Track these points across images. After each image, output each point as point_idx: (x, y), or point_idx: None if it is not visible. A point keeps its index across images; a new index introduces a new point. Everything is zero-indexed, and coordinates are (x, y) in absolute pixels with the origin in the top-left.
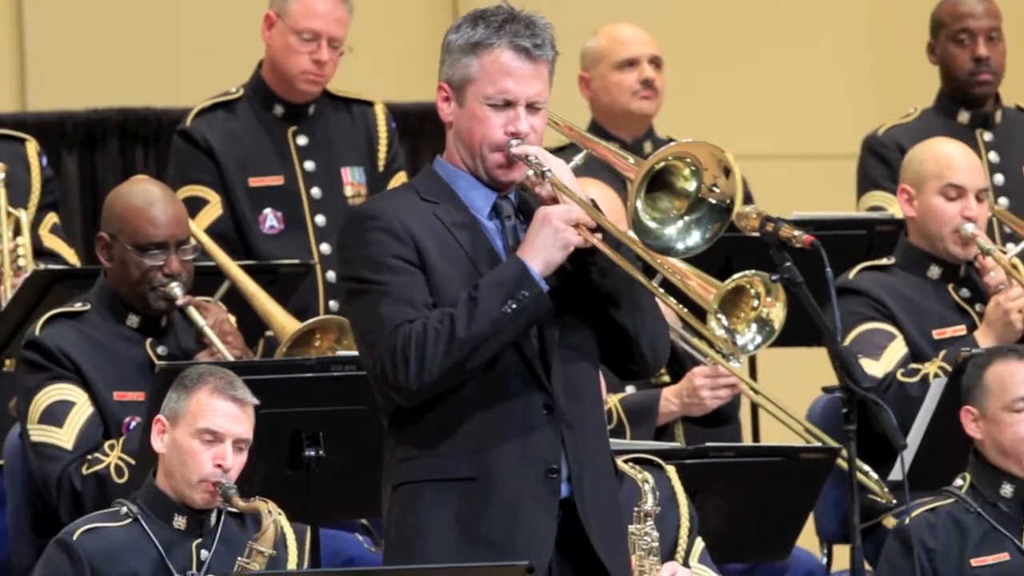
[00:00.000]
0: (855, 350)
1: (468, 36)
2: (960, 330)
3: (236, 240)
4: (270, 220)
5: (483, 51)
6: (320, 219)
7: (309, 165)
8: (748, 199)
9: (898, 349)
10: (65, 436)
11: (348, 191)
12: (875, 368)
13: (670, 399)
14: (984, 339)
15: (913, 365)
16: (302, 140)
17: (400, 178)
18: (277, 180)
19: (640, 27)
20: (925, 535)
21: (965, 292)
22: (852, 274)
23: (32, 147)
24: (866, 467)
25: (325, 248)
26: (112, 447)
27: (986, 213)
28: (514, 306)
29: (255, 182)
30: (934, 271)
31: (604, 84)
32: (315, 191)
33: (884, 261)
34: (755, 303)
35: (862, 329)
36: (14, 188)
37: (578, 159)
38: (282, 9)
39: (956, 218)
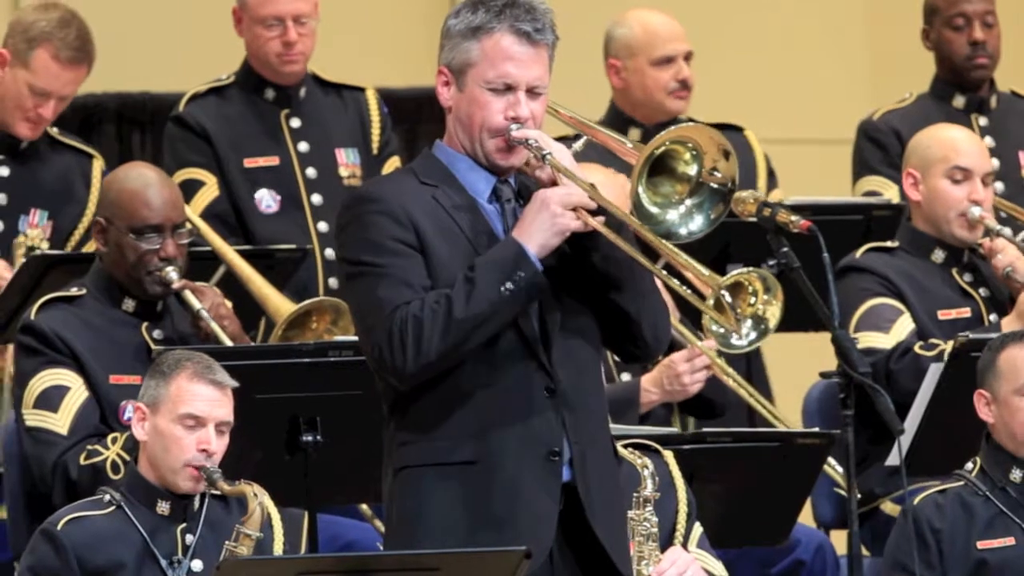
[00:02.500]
0: (865, 325)
1: (468, 21)
2: (965, 312)
3: (234, 221)
4: (266, 200)
5: (484, 35)
6: (316, 198)
7: (303, 146)
8: (772, 175)
9: (907, 323)
10: (60, 421)
11: (343, 172)
12: (886, 341)
13: (650, 389)
14: (1012, 329)
15: (932, 340)
16: (295, 123)
17: (393, 162)
18: (272, 161)
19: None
20: (932, 516)
21: (968, 277)
22: (858, 254)
23: (98, 165)
24: (832, 461)
25: (322, 227)
26: (115, 440)
27: (991, 197)
28: (511, 287)
29: (250, 163)
30: (938, 255)
31: (641, 79)
32: (310, 171)
33: (888, 244)
34: (752, 300)
35: (871, 304)
36: (72, 201)
37: (578, 144)
38: (243, 2)
39: (963, 201)
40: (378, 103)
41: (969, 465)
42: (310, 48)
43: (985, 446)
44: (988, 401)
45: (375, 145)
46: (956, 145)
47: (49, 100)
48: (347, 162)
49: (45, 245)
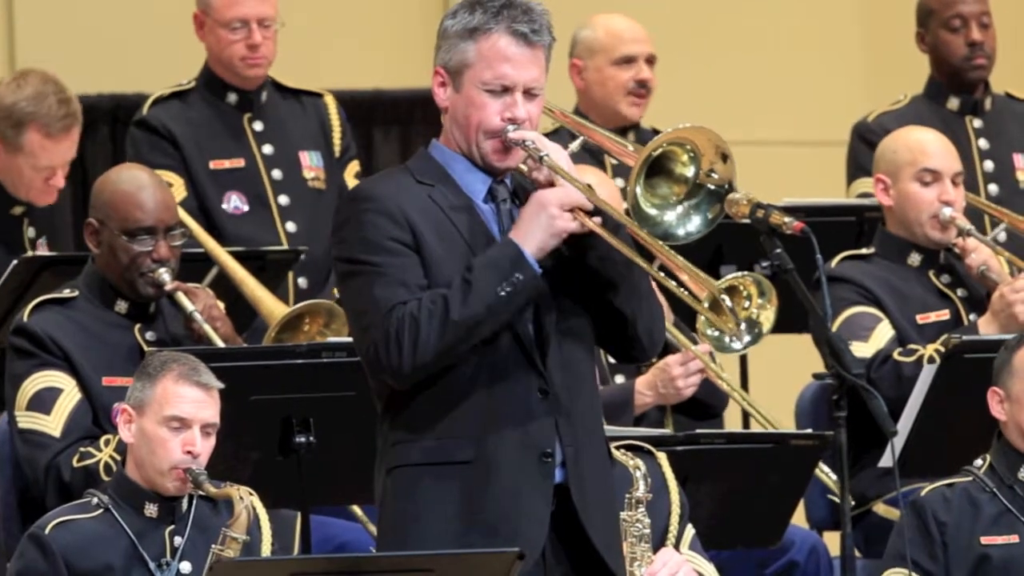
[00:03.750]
0: (843, 334)
1: (465, 21)
2: (943, 314)
3: (204, 222)
4: (234, 201)
5: (481, 36)
6: (283, 199)
7: (267, 149)
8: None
9: (885, 331)
10: (53, 423)
11: (307, 174)
12: (865, 349)
13: (643, 392)
14: (987, 327)
15: (911, 346)
16: (258, 126)
17: (354, 166)
18: (238, 163)
19: (634, 20)
20: (939, 509)
21: (946, 278)
22: (834, 263)
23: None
24: (826, 468)
25: (290, 227)
26: (107, 442)
27: (963, 197)
28: (508, 289)
29: (216, 164)
30: (914, 258)
31: (599, 77)
32: (276, 173)
33: (864, 251)
34: (746, 303)
35: (849, 313)
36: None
37: (574, 145)
38: (206, 5)
39: (934, 203)
40: (337, 108)
41: (978, 461)
42: (272, 52)
43: (996, 443)
44: (1001, 399)
45: (336, 148)
46: (923, 147)
47: (56, 171)
48: (311, 164)
49: None
